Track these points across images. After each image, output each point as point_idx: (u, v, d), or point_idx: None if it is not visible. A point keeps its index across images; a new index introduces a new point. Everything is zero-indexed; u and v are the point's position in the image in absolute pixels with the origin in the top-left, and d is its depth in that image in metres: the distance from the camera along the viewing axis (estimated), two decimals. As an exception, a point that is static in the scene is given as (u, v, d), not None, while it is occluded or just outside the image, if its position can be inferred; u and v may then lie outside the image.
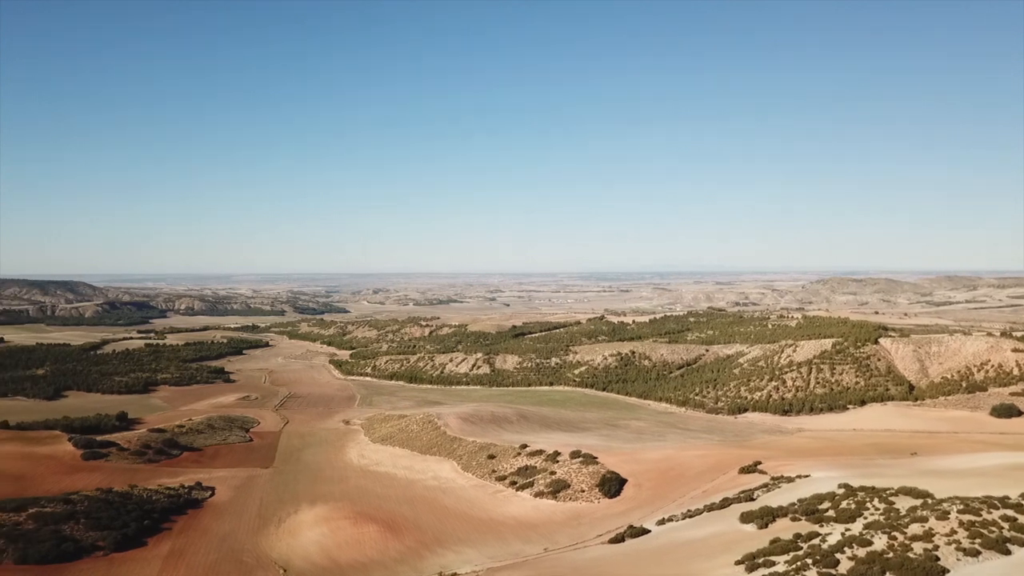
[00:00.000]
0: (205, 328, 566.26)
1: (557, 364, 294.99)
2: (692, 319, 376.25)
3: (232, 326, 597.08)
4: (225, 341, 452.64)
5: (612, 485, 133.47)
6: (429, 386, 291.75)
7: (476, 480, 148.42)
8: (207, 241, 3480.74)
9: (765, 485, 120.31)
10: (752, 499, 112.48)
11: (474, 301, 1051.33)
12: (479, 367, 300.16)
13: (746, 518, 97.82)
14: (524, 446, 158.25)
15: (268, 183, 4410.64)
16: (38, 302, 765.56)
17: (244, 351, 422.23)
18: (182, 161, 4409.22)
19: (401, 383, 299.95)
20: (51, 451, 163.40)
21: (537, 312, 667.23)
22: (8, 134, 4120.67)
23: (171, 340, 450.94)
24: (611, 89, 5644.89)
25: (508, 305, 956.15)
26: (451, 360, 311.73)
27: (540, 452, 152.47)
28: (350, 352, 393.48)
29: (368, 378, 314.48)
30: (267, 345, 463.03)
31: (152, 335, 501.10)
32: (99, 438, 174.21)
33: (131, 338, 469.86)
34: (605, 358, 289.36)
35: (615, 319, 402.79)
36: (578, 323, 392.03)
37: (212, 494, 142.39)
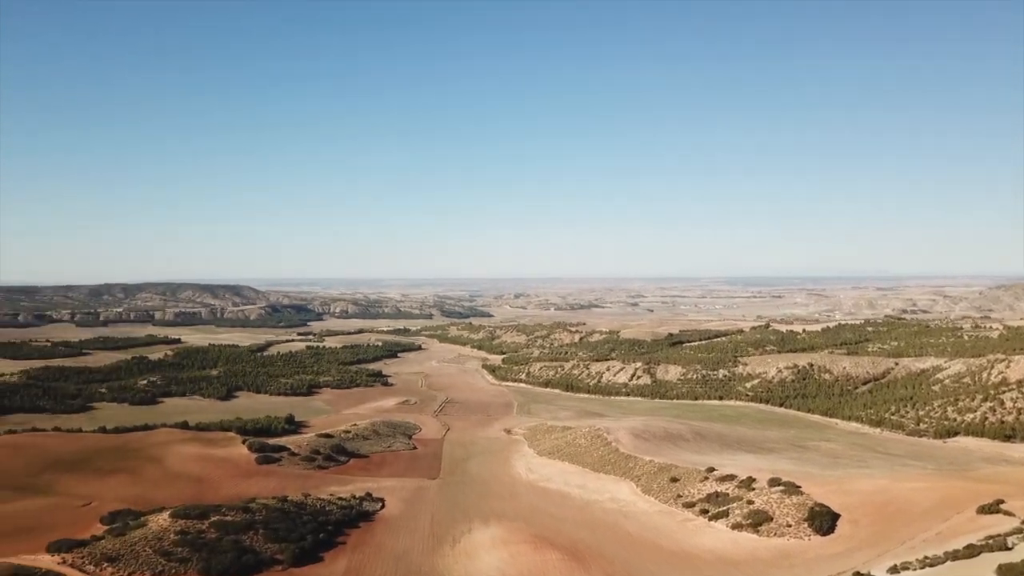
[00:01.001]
0: (359, 331, 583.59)
1: (725, 376, 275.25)
2: (871, 328, 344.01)
3: (384, 329, 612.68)
4: (380, 344, 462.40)
5: (823, 520, 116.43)
6: (586, 395, 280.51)
7: (660, 505, 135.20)
8: (359, 247, 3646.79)
9: (1019, 530, 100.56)
10: (1007, 548, 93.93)
11: (616, 306, 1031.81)
12: (639, 377, 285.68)
13: (1006, 572, 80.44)
14: (711, 469, 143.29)
15: (413, 192, 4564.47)
16: (209, 304, 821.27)
17: (398, 354, 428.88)
18: (333, 173, 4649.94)
19: (557, 391, 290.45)
20: (227, 454, 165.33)
21: (685, 318, 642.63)
22: (168, 144, 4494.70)
23: (329, 343, 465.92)
24: (748, 82, 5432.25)
25: (651, 311, 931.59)
26: (608, 369, 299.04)
27: (731, 477, 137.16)
28: (501, 357, 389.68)
29: (522, 384, 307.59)
30: (419, 348, 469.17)
31: (311, 337, 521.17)
32: (271, 442, 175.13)
33: (292, 340, 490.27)
34: (780, 370, 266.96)
35: (782, 327, 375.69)
36: (741, 331, 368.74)
37: (383, 506, 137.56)
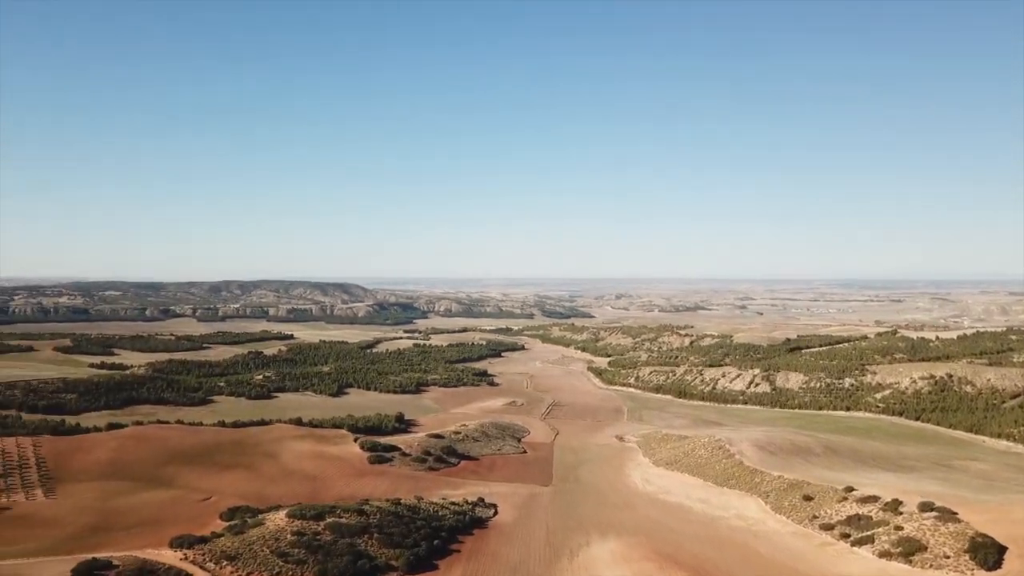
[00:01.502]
0: (464, 330, 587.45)
1: (852, 386, 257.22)
2: (1014, 336, 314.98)
3: (487, 328, 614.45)
4: (484, 343, 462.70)
5: (988, 553, 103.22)
6: (700, 403, 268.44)
7: (793, 525, 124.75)
8: (461, 246, 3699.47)
9: None
10: None
11: (723, 308, 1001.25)
12: (756, 384, 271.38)
13: None
14: (850, 488, 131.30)
15: (512, 192, 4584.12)
16: (319, 302, 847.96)
17: (502, 353, 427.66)
18: (436, 173, 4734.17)
19: (668, 397, 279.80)
20: (340, 452, 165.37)
21: (798, 322, 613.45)
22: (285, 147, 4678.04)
23: (435, 341, 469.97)
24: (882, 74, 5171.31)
25: (761, 314, 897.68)
26: (723, 375, 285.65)
27: (873, 498, 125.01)
28: (607, 360, 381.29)
29: (631, 389, 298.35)
30: (522, 348, 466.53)
31: (417, 335, 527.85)
32: (382, 440, 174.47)
33: (400, 338, 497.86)
34: (914, 381, 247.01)
35: (912, 334, 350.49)
36: (865, 338, 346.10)
37: (495, 513, 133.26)
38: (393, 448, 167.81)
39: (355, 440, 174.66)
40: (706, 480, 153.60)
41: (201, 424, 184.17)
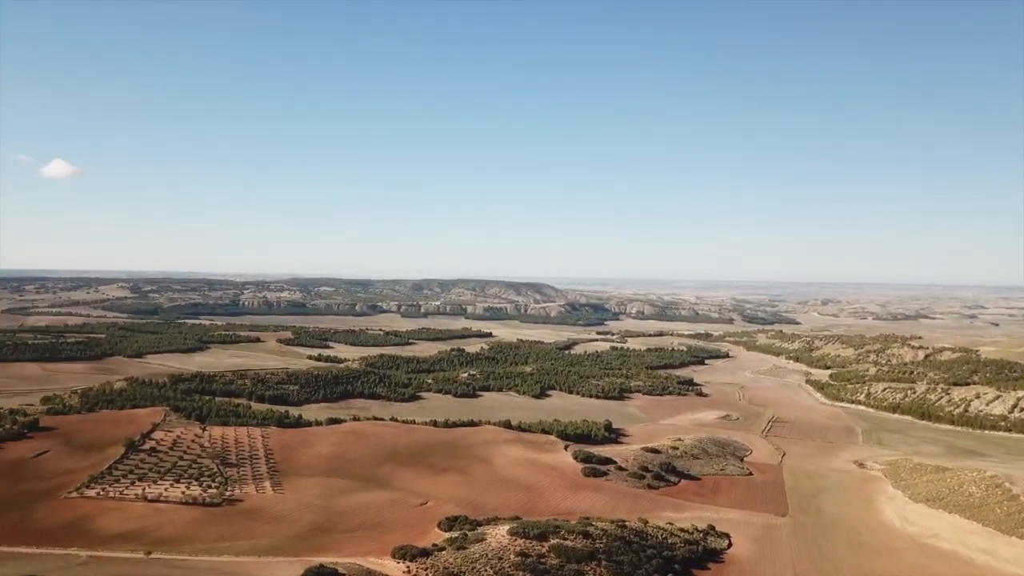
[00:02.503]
0: (659, 333, 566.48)
1: None
2: None
3: (684, 332, 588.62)
4: (684, 349, 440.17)
5: None
6: (949, 427, 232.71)
7: None
8: (650, 246, 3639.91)
9: None
10: None
11: (948, 318, 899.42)
12: (1023, 409, 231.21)
13: None
14: None
15: (706, 191, 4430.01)
16: (513, 301, 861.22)
17: (705, 361, 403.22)
18: (623, 173, 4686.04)
19: (908, 419, 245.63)
20: (552, 461, 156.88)
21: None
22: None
23: (631, 344, 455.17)
24: None
25: (996, 324, 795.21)
26: (976, 396, 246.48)
27: None
28: (827, 372, 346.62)
29: (861, 407, 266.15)
30: (727, 356, 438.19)
31: (612, 337, 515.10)
32: (594, 451, 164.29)
33: (595, 340, 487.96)
34: None
35: None
36: None
37: (729, 544, 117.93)
38: (608, 460, 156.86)
39: (566, 448, 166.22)
40: (985, 525, 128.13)
41: (413, 422, 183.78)
